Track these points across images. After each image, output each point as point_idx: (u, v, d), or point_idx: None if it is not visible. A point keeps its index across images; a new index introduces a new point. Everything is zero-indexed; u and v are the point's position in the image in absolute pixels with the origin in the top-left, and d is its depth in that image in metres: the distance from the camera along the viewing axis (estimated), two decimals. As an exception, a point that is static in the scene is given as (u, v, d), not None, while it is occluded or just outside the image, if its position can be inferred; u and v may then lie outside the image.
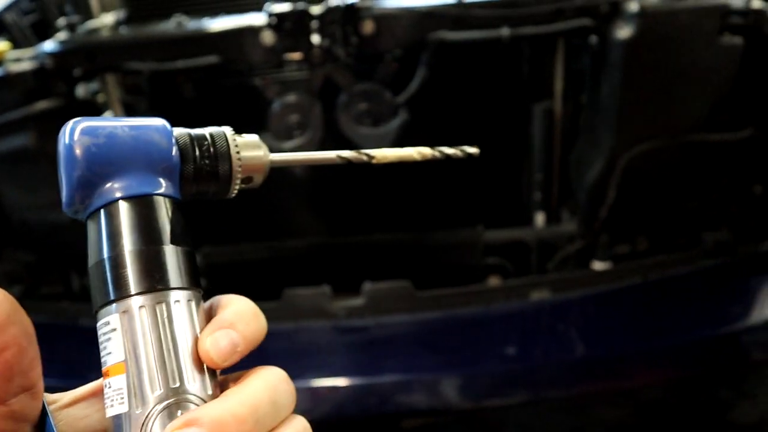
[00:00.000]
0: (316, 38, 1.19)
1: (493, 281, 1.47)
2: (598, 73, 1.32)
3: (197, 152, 0.37)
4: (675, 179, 1.39)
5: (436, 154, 0.45)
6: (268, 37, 1.20)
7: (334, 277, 1.33)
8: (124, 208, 0.35)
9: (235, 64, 1.28)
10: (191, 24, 1.28)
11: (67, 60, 1.31)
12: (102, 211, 0.35)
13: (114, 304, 0.34)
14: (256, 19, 1.23)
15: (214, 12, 1.33)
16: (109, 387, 0.34)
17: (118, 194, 0.35)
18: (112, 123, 0.36)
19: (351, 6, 1.16)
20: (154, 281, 0.34)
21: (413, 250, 1.46)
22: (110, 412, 0.34)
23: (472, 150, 0.46)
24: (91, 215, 0.36)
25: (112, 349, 0.34)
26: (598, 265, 1.43)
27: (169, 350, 0.34)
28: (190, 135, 0.38)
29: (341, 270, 1.48)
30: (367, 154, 0.43)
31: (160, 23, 1.32)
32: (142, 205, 0.36)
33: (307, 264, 1.45)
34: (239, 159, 0.38)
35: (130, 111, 1.53)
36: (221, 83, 1.38)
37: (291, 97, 1.24)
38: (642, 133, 1.31)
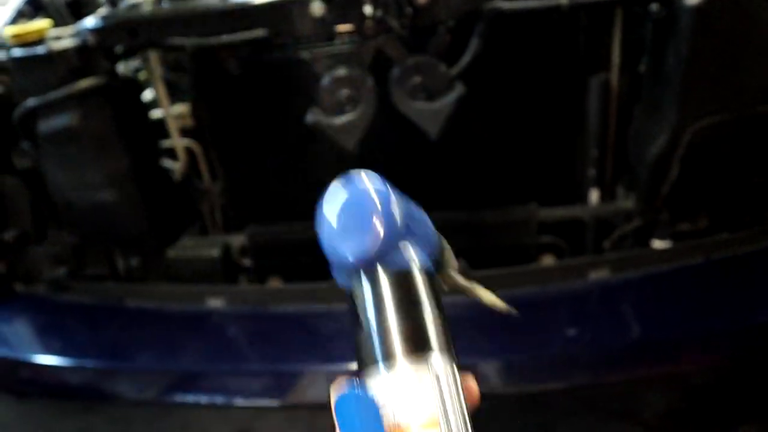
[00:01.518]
0: (368, 9, 1.14)
1: (547, 260, 1.42)
2: (661, 42, 1.25)
3: None
4: (741, 154, 1.32)
5: None
6: (317, 8, 1.15)
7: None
8: (419, 278, 0.39)
9: (283, 37, 1.23)
10: (236, -3, 1.23)
11: (110, 36, 1.28)
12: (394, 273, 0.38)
13: (423, 362, 0.36)
14: (305, -11, 1.18)
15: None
16: None
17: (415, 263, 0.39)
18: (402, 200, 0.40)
19: (405, -26, 1.11)
20: (448, 349, 0.38)
21: (465, 230, 1.41)
22: None
23: None
24: (384, 272, 0.38)
25: (421, 402, 0.36)
26: (657, 244, 1.37)
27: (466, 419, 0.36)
28: None
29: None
30: None
31: (204, -4, 1.28)
32: (428, 280, 0.40)
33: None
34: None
35: (173, 88, 1.50)
36: (267, 58, 1.34)
37: (341, 71, 1.19)
38: (709, 105, 1.24)
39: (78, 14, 1.70)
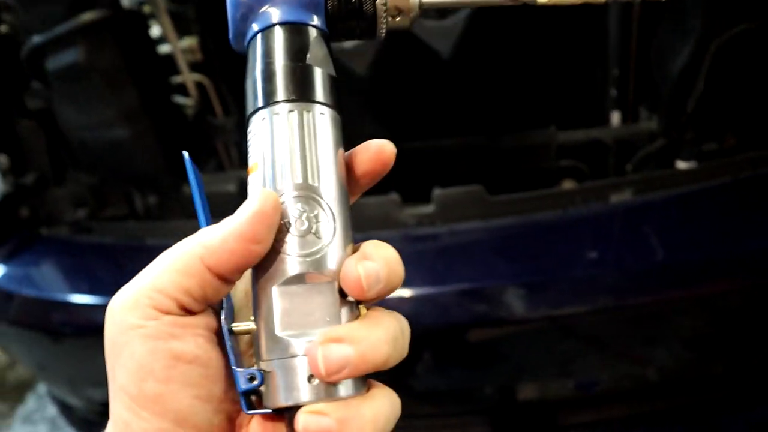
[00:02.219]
0: None
1: (567, 184, 1.39)
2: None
3: None
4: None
5: None
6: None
7: (402, 185, 1.27)
8: (279, 32, 0.39)
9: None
10: None
11: (111, -36, 1.24)
12: (259, 35, 0.40)
13: (258, 112, 0.38)
14: None
15: None
16: (249, 184, 0.39)
17: (274, 20, 0.39)
18: None
19: None
20: (291, 92, 0.38)
21: (483, 154, 1.38)
22: None
23: None
24: (250, 42, 0.40)
25: (251, 152, 0.39)
26: (682, 165, 1.32)
27: (295, 150, 0.37)
28: None
29: (410, 177, 1.42)
30: None
31: None
32: (295, 31, 0.39)
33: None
34: None
35: (177, 20, 1.47)
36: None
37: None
38: (735, 13, 1.17)
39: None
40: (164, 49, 1.52)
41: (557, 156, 1.38)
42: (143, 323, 0.36)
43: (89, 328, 1.42)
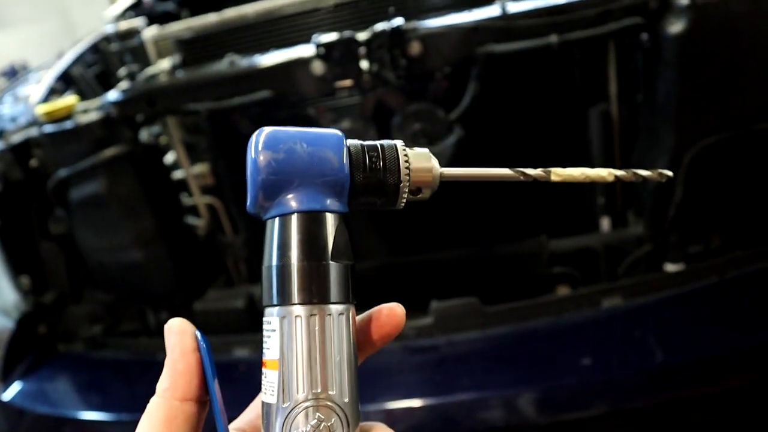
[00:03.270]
0: (364, 64, 1.21)
1: (562, 291, 1.44)
2: (652, 71, 1.29)
3: (367, 163, 0.40)
4: (744, 171, 1.34)
5: (629, 175, 0.45)
6: (318, 68, 1.22)
7: (400, 297, 1.33)
8: (295, 222, 0.39)
9: (289, 96, 1.31)
10: (243, 62, 1.32)
11: (130, 107, 1.37)
12: (277, 220, 0.39)
13: (276, 308, 0.39)
14: (304, 50, 1.26)
15: (264, 48, 1.37)
16: (265, 377, 0.39)
17: (292, 207, 0.39)
18: (293, 137, 0.39)
19: (397, 29, 1.18)
20: (312, 295, 0.38)
21: (478, 265, 1.45)
22: (263, 398, 0.40)
23: (668, 173, 0.47)
24: (268, 219, 0.40)
25: (270, 345, 0.39)
26: (670, 267, 1.38)
27: (316, 359, 0.38)
28: (362, 146, 0.41)
29: (407, 290, 1.48)
30: (548, 172, 0.46)
31: (214, 64, 1.37)
32: (312, 221, 0.39)
33: (372, 286, 1.46)
34: (407, 170, 0.40)
35: (192, 150, 1.59)
36: (276, 116, 1.42)
37: (345, 124, 1.26)
38: (704, 127, 1.27)
39: (107, 85, 1.82)
40: (178, 174, 1.64)
41: (550, 263, 1.44)
42: None
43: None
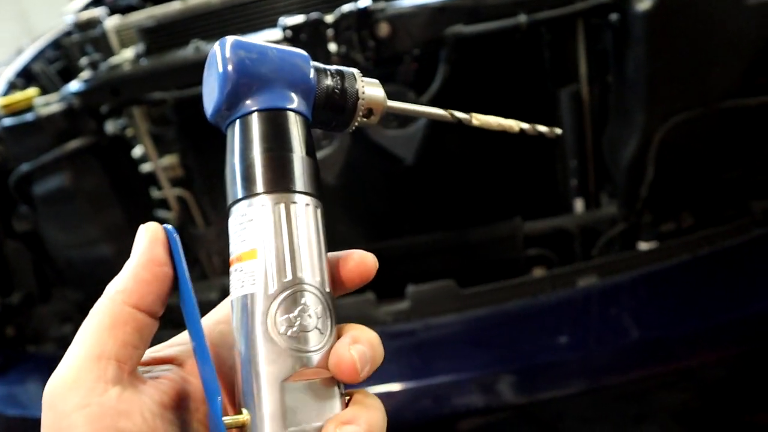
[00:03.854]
0: (332, 46, 1.19)
1: (538, 272, 1.44)
2: (622, 50, 1.29)
3: (329, 81, 0.42)
4: (715, 149, 1.35)
5: (530, 129, 0.53)
6: (284, 51, 1.20)
7: (376, 284, 1.32)
8: (261, 118, 0.39)
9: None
10: (209, 48, 1.29)
11: (93, 97, 1.33)
12: (239, 122, 0.39)
13: (252, 198, 0.38)
14: (271, 34, 1.23)
15: (230, 33, 1.34)
16: (240, 270, 0.39)
17: (258, 106, 0.39)
18: (262, 43, 0.41)
19: (364, 10, 1.16)
20: (289, 182, 0.39)
21: (453, 249, 1.44)
22: (239, 293, 0.39)
23: (557, 130, 0.55)
24: (231, 124, 0.40)
25: (246, 237, 0.38)
26: (643, 246, 1.39)
27: (297, 245, 0.38)
28: (324, 67, 0.43)
29: (383, 275, 1.46)
30: (470, 116, 0.52)
31: (179, 51, 1.34)
32: (278, 116, 0.40)
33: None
34: (363, 94, 0.43)
35: (159, 141, 1.55)
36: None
37: (314, 109, 1.24)
38: (674, 105, 1.27)
39: (69, 81, 1.77)
40: (146, 167, 1.60)
41: (525, 245, 1.44)
42: (87, 401, 0.33)
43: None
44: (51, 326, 1.59)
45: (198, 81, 1.30)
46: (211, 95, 0.40)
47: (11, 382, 1.53)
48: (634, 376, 1.21)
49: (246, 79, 0.39)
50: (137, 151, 1.61)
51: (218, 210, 1.59)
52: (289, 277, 0.38)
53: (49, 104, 1.37)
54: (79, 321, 1.44)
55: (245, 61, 0.39)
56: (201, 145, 1.52)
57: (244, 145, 0.39)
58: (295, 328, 0.37)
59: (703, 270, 1.32)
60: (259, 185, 0.38)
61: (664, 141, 1.28)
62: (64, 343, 1.55)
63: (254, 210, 0.38)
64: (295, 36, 1.18)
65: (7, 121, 1.36)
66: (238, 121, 0.40)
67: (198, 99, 1.33)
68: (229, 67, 0.38)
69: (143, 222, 0.43)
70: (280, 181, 0.38)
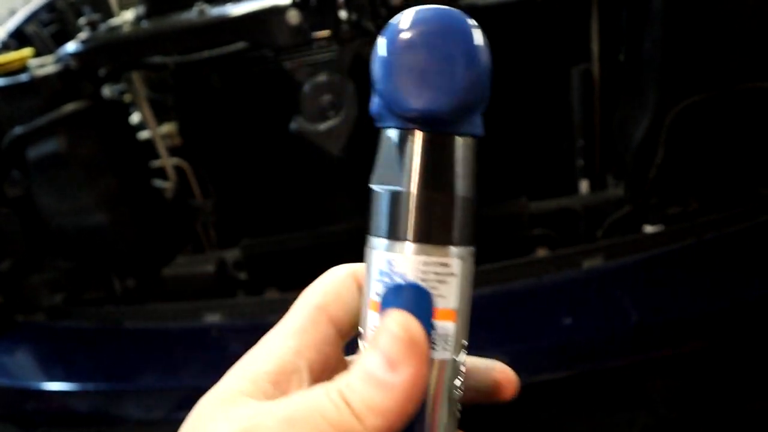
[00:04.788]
0: (343, 13, 1.15)
1: (541, 252, 1.42)
2: (637, 27, 1.26)
3: None
4: (726, 132, 1.33)
5: None
6: (294, 17, 1.16)
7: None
8: (473, 146, 0.33)
9: (262, 48, 1.24)
10: (214, 11, 1.25)
11: (91, 59, 1.29)
12: (467, 141, 0.33)
13: (453, 248, 0.32)
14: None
15: (236, -3, 1.30)
16: (434, 329, 0.33)
17: (477, 129, 0.33)
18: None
19: (377, -24, 1.12)
20: (472, 235, 0.34)
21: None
22: (436, 355, 0.33)
23: None
24: (403, 130, 0.32)
25: (446, 293, 0.33)
26: (649, 229, 1.37)
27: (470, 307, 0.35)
28: None
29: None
30: None
31: (182, 14, 1.29)
32: (473, 145, 0.34)
33: (348, 248, 1.42)
34: None
35: (158, 108, 1.51)
36: (249, 71, 1.35)
37: (322, 77, 1.20)
38: (688, 85, 1.25)
39: (63, 45, 1.73)
40: (144, 134, 1.56)
41: (530, 225, 1.42)
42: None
43: (63, 416, 1.39)
44: (42, 295, 1.56)
45: (200, 46, 1.27)
46: (427, 83, 0.30)
47: (0, 352, 1.51)
48: (636, 359, 1.20)
49: (487, 90, 0.32)
50: (135, 118, 1.57)
51: (216, 180, 1.56)
52: (467, 341, 0.35)
53: (44, 65, 1.33)
54: (70, 290, 1.40)
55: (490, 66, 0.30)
56: (201, 114, 1.49)
57: (447, 176, 0.32)
58: (457, 392, 0.35)
59: (709, 254, 1.31)
60: (464, 235, 0.33)
61: (675, 122, 1.26)
62: (56, 312, 1.52)
63: (456, 264, 0.33)
64: (304, 1, 1.14)
65: (1, 81, 1.31)
66: (439, 136, 0.32)
67: (199, 65, 1.29)
68: (487, 62, 0.30)
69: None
70: (473, 231, 0.34)
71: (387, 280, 0.33)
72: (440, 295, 0.33)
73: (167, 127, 1.53)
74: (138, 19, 1.35)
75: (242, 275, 1.49)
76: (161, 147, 1.52)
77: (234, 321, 1.38)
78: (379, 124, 0.34)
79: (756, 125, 1.33)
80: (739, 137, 1.35)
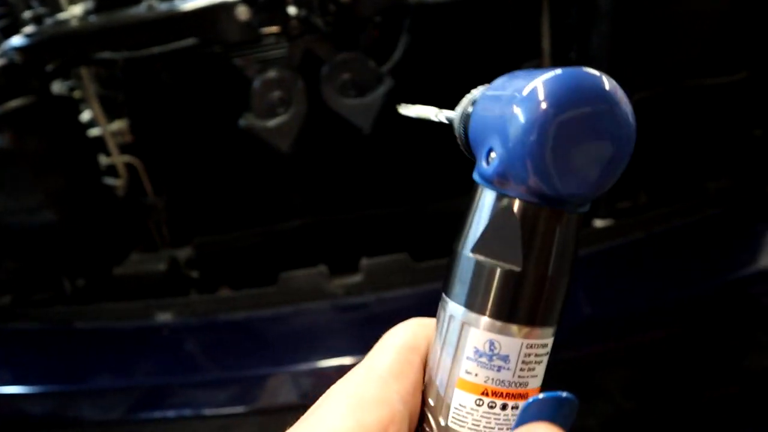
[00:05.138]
0: (292, 9, 1.15)
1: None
2: (586, 25, 1.28)
3: None
4: (674, 127, 1.36)
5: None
6: (243, 12, 1.15)
7: (330, 257, 1.29)
8: (568, 221, 0.30)
9: (212, 44, 1.23)
10: (163, 6, 1.23)
11: (36, 53, 1.26)
12: (538, 208, 0.30)
13: (552, 329, 0.32)
14: (228, -7, 1.18)
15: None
16: (515, 407, 0.32)
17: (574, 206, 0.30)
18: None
19: (325, -28, 1.12)
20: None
21: (409, 223, 1.42)
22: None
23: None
24: (511, 198, 0.30)
25: (539, 372, 0.32)
26: (599, 223, 1.39)
27: None
28: None
29: (337, 248, 1.44)
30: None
31: (131, 8, 1.27)
32: (578, 222, 0.31)
33: (301, 245, 1.42)
34: None
35: (107, 104, 1.49)
36: (199, 67, 1.34)
37: (271, 73, 1.19)
38: (635, 82, 1.27)
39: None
40: (94, 131, 1.53)
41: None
42: None
43: (15, 420, 1.36)
44: (-13, 297, 1.52)
45: (150, 42, 1.25)
46: (586, 167, 0.27)
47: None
48: (586, 352, 1.22)
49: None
50: (85, 115, 1.54)
51: (168, 178, 1.54)
52: None
53: (-12, 61, 1.29)
54: (18, 291, 1.37)
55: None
56: (151, 111, 1.46)
57: (569, 259, 0.31)
58: None
59: (657, 248, 1.34)
60: (556, 317, 0.32)
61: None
62: (2, 314, 1.49)
63: (551, 343, 0.32)
64: (253, -4, 1.13)
65: (-58, 76, 1.28)
66: (572, 216, 0.30)
67: (149, 60, 1.28)
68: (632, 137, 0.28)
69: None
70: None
71: (485, 360, 0.31)
72: (535, 376, 0.32)
73: (118, 124, 1.51)
74: (86, 14, 1.33)
75: (195, 273, 1.48)
76: (112, 144, 1.50)
77: (186, 320, 1.36)
78: (492, 189, 0.31)
79: (702, 121, 1.36)
80: (686, 132, 1.38)
